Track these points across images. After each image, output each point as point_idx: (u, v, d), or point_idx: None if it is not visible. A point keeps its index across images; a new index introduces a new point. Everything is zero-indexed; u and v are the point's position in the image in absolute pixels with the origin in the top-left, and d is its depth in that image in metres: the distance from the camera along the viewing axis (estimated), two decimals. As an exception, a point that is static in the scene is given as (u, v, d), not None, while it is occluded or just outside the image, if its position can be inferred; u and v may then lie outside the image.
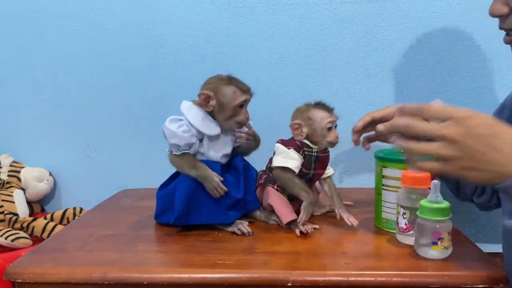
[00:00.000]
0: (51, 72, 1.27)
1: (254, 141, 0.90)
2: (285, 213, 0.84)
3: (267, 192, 0.88)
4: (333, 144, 0.87)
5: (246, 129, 0.88)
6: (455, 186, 0.96)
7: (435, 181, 0.70)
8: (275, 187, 0.87)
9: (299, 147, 0.85)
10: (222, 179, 0.83)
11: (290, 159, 0.84)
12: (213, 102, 0.83)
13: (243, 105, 0.84)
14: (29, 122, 1.29)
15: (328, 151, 0.89)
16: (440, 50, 1.17)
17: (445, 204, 0.69)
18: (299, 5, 1.19)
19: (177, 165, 0.86)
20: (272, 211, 0.88)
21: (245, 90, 0.84)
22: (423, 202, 0.70)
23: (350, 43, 1.19)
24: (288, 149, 0.85)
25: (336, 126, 0.87)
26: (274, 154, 0.88)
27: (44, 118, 1.28)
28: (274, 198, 0.87)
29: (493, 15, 0.76)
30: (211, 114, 0.85)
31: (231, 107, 0.83)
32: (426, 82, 1.19)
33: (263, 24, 1.20)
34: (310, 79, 1.21)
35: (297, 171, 0.84)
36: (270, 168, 0.88)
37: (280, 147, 0.86)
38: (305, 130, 0.86)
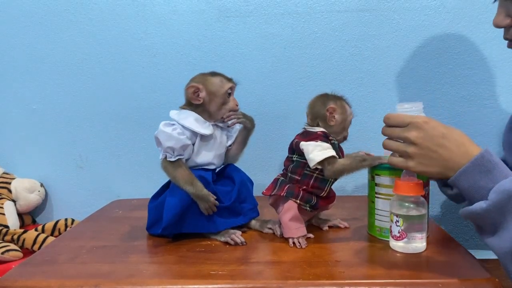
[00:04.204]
0: (42, 82, 1.26)
1: (246, 119, 0.90)
2: (290, 229, 0.82)
3: (287, 204, 0.82)
4: (345, 139, 0.87)
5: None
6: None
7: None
8: (298, 201, 0.82)
9: (325, 137, 0.83)
10: (215, 197, 0.84)
11: (325, 149, 0.81)
12: (202, 94, 0.86)
13: (230, 93, 0.88)
14: (20, 133, 1.28)
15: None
16: (430, 58, 1.18)
17: None
18: (290, 15, 1.20)
19: (170, 175, 0.85)
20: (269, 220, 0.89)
21: (230, 78, 0.89)
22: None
23: (342, 52, 1.20)
24: (317, 142, 0.82)
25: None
26: (294, 153, 0.85)
27: (35, 128, 1.28)
28: (288, 211, 0.82)
29: (496, 26, 0.79)
30: (200, 113, 0.87)
31: (221, 95, 0.87)
32: (417, 90, 1.20)
33: (255, 34, 1.21)
34: (302, 88, 1.21)
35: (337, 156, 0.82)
36: (294, 168, 0.84)
37: (310, 144, 0.82)
38: (338, 117, 0.84)
